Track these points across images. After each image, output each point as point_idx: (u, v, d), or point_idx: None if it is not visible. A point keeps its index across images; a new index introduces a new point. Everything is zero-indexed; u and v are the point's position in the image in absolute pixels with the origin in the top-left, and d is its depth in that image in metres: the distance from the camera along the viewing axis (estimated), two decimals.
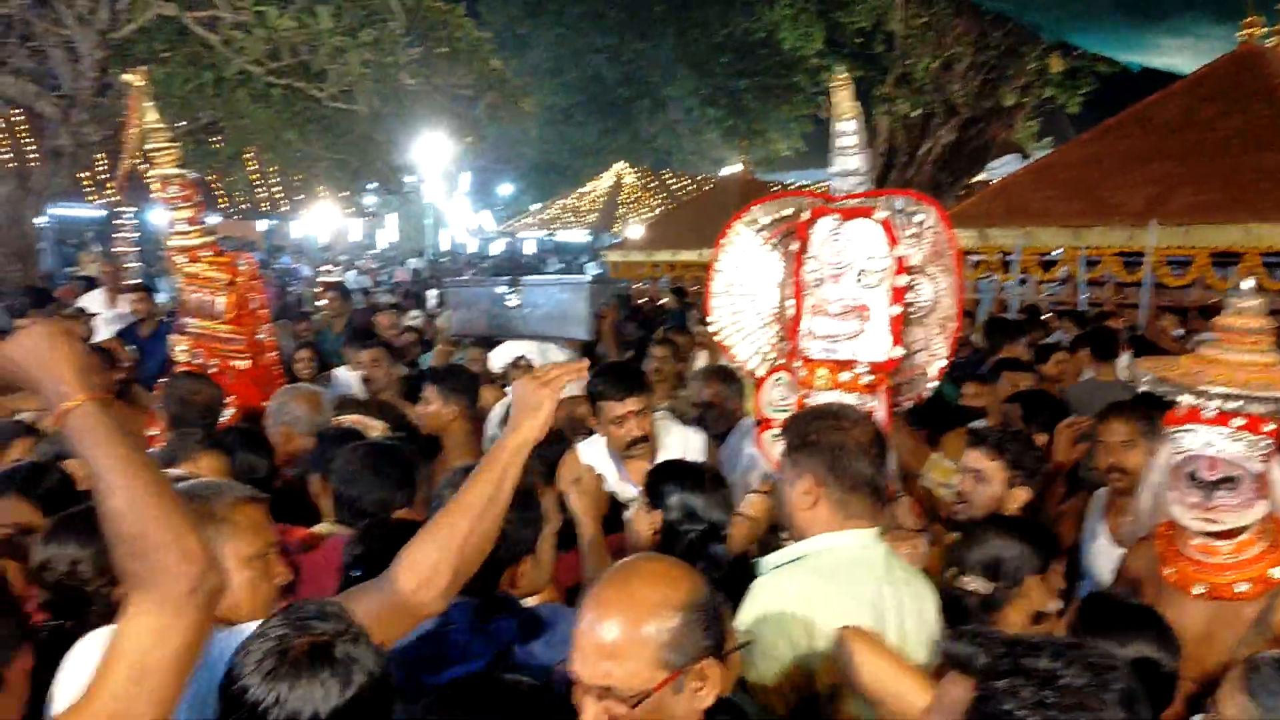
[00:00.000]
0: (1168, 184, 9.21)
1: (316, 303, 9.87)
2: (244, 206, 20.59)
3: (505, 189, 39.16)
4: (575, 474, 2.93)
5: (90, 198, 18.55)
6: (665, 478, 2.92)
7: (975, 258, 10.47)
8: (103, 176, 17.96)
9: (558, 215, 31.21)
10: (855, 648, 1.93)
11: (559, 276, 5.37)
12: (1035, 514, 3.20)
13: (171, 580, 1.43)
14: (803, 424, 2.57)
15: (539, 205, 33.00)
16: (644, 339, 7.50)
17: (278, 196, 21.22)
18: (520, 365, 4.78)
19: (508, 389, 4.68)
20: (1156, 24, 13.33)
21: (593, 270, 28.84)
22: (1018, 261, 9.97)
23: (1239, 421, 2.61)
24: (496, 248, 38.39)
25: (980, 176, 19.65)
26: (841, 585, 2.23)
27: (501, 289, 4.67)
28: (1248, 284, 2.86)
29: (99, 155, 17.02)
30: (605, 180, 30.37)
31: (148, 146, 4.33)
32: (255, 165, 12.29)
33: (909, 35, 17.27)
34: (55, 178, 9.99)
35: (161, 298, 10.07)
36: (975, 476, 3.02)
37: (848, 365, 2.98)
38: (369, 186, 12.03)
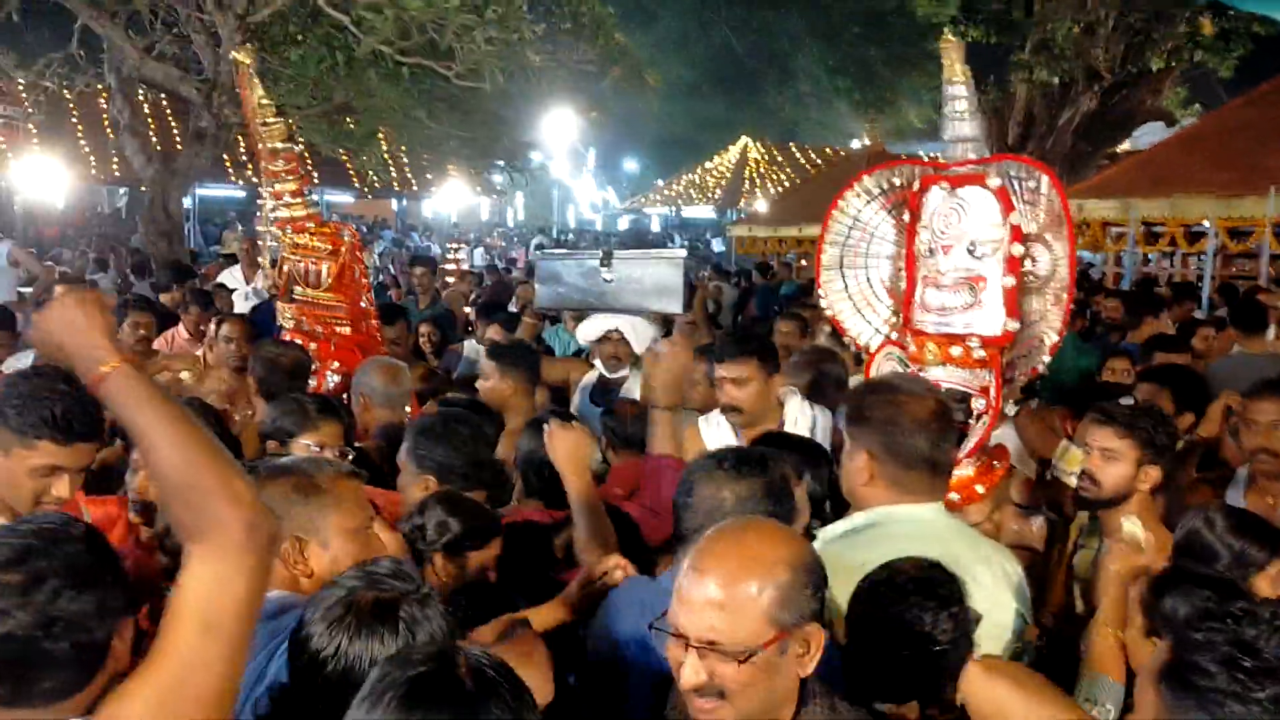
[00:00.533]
0: None
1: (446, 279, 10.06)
2: (377, 186, 21.15)
3: (631, 165, 39.32)
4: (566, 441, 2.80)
5: (233, 178, 19.34)
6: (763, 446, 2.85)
7: (1118, 229, 10.04)
8: (244, 158, 18.68)
9: (683, 190, 31.17)
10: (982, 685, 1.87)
11: (653, 250, 5.24)
12: (1164, 492, 3.05)
13: (224, 526, 1.44)
14: (859, 397, 2.50)
15: (664, 181, 33.02)
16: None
17: (409, 176, 21.73)
18: (613, 338, 4.76)
19: (596, 363, 4.74)
20: None
21: (719, 246, 28.74)
22: (1164, 233, 9.52)
23: None
24: (622, 224, 38.60)
25: (1124, 146, 18.80)
26: (913, 548, 2.13)
27: (593, 262, 4.61)
28: None
29: (239, 136, 17.76)
30: (731, 154, 30.19)
31: (256, 121, 4.47)
32: (387, 145, 12.53)
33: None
34: (198, 159, 10.40)
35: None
36: (1103, 455, 2.88)
37: (960, 339, 2.86)
38: (497, 164, 12.16)
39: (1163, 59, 16.78)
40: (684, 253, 4.85)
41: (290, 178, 4.54)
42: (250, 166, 18.85)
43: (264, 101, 4.51)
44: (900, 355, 3.04)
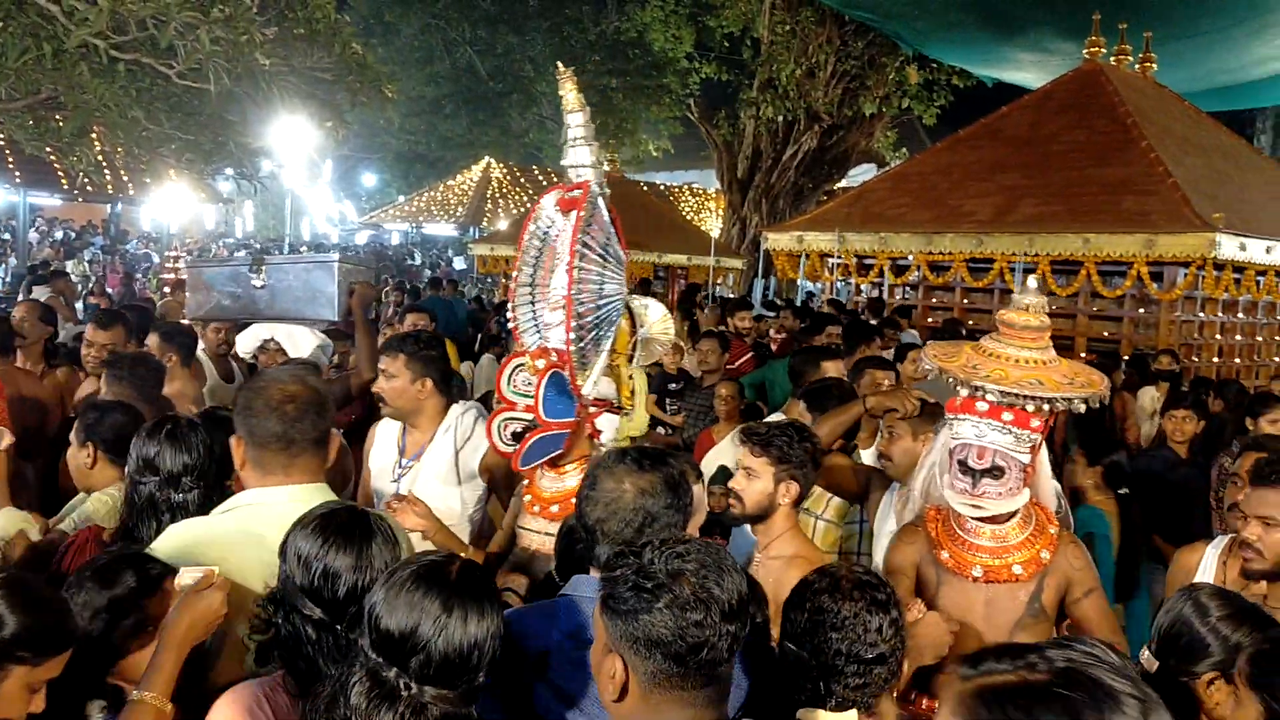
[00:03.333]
0: (1014, 194, 9.60)
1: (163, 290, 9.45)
2: (89, 189, 19.59)
3: (369, 179, 38.35)
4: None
5: None
6: None
7: (834, 260, 10.72)
8: None
9: (425, 207, 30.71)
10: None
11: (305, 255, 5.06)
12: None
13: None
14: (240, 389, 2.74)
15: (405, 197, 32.43)
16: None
17: (125, 179, 20.24)
18: (269, 349, 4.58)
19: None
20: (1011, 37, 13.88)
21: (459, 264, 28.48)
22: (874, 265, 10.25)
23: (1009, 416, 2.71)
24: (361, 239, 37.56)
25: (842, 183, 20.13)
26: (250, 536, 2.32)
27: (244, 269, 4.34)
28: (1032, 282, 2.93)
29: None
30: (474, 173, 30.05)
31: None
32: (100, 145, 11.65)
33: (774, 41, 17.58)
34: None
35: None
36: (746, 474, 3.01)
37: (548, 353, 3.14)
38: (223, 171, 11.52)
39: (875, 104, 18.16)
40: (336, 256, 4.63)
41: None
42: None
43: None
44: (528, 363, 3.24)
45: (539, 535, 3.15)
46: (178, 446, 2.79)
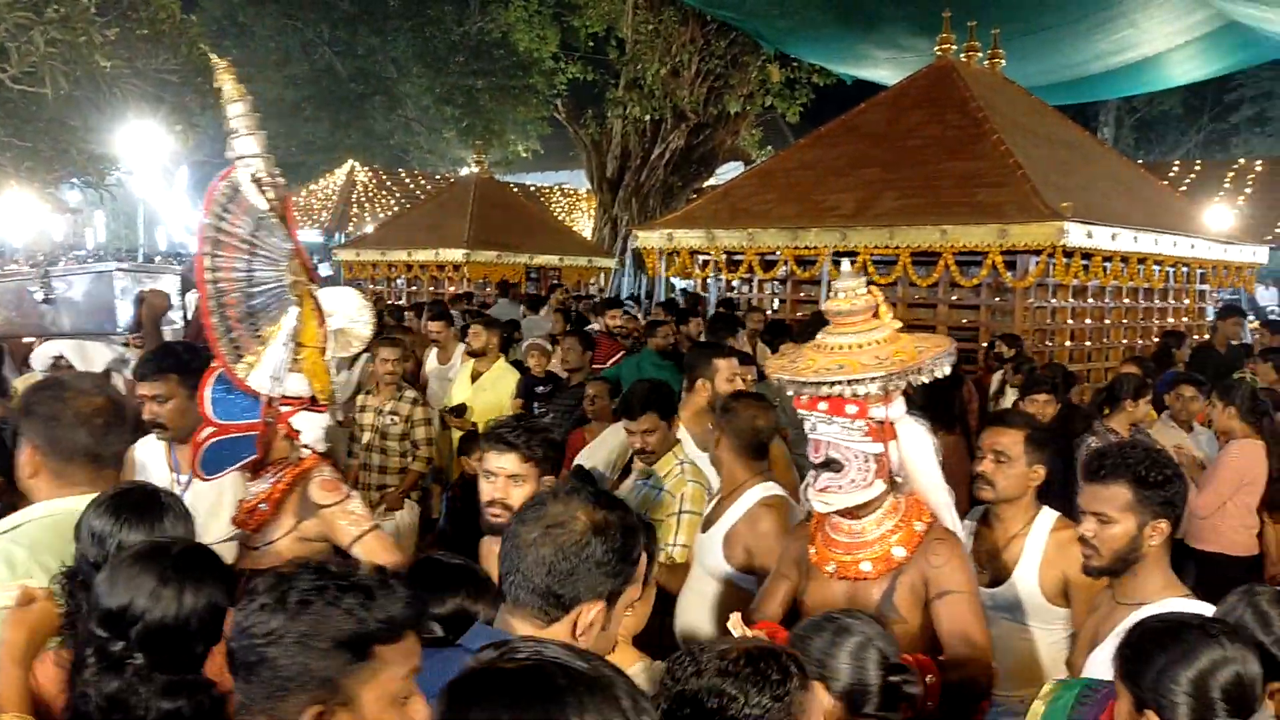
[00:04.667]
0: (874, 188, 9.82)
1: None
2: None
3: None
4: None
5: None
6: None
7: (704, 257, 10.82)
8: None
9: None
10: None
11: (89, 266, 4.80)
12: None
13: None
14: (30, 394, 2.65)
15: None
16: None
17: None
18: (61, 366, 4.33)
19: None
20: (866, 35, 14.25)
21: (325, 270, 27.78)
22: (743, 261, 10.37)
23: (824, 405, 2.69)
24: None
25: (709, 181, 20.36)
26: (58, 543, 2.26)
27: (28, 283, 4.14)
28: (846, 266, 2.92)
29: None
30: (338, 177, 29.36)
31: None
32: None
33: (638, 41, 17.67)
34: None
35: None
36: (511, 480, 2.96)
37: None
38: (69, 179, 10.99)
39: (739, 103, 18.42)
40: (114, 266, 4.42)
41: None
42: None
43: None
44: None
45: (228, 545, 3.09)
46: None
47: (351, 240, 20.08)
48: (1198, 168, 23.05)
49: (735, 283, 11.18)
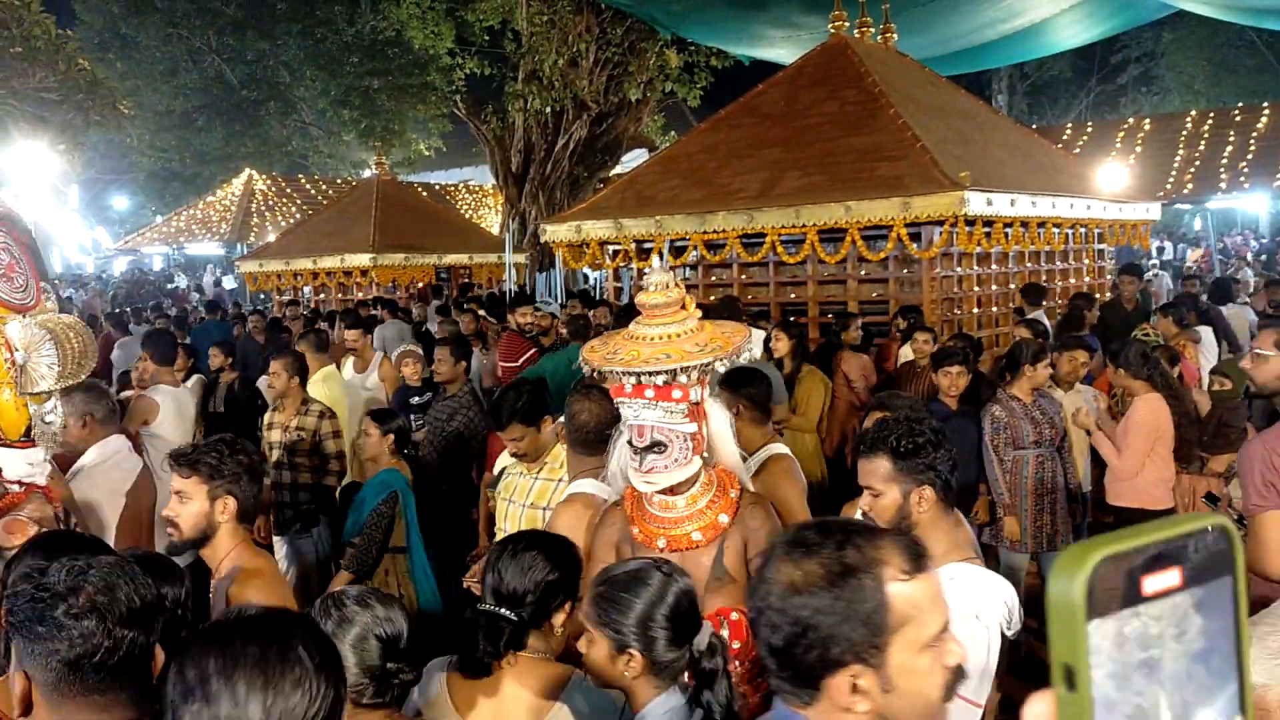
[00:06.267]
0: (778, 169, 9.86)
1: None
2: None
3: (121, 202, 36.07)
4: None
5: None
6: None
7: (614, 247, 10.77)
8: None
9: (185, 226, 29.06)
10: None
11: None
12: None
13: None
14: None
15: (163, 217, 30.62)
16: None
17: None
18: None
19: None
20: (759, 14, 14.29)
21: (229, 283, 27.13)
22: (653, 249, 10.35)
23: (650, 393, 2.89)
24: (119, 265, 35.26)
25: (615, 170, 20.29)
26: None
27: None
28: (656, 261, 3.19)
29: None
30: (235, 187, 28.66)
31: None
32: None
33: (534, 33, 17.51)
34: None
35: None
36: (179, 498, 3.09)
37: None
38: None
39: (639, 89, 18.37)
40: None
41: None
42: None
43: None
44: None
45: None
46: None
47: (254, 251, 19.62)
48: (1089, 129, 23.68)
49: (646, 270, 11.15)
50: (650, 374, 2.83)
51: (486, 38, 18.32)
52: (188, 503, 2.99)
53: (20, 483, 3.26)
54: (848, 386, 7.69)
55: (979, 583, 2.66)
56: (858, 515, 3.43)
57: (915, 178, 8.77)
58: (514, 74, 18.23)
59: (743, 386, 4.18)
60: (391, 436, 5.30)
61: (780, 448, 4.12)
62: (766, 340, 6.87)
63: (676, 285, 2.98)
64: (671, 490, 2.96)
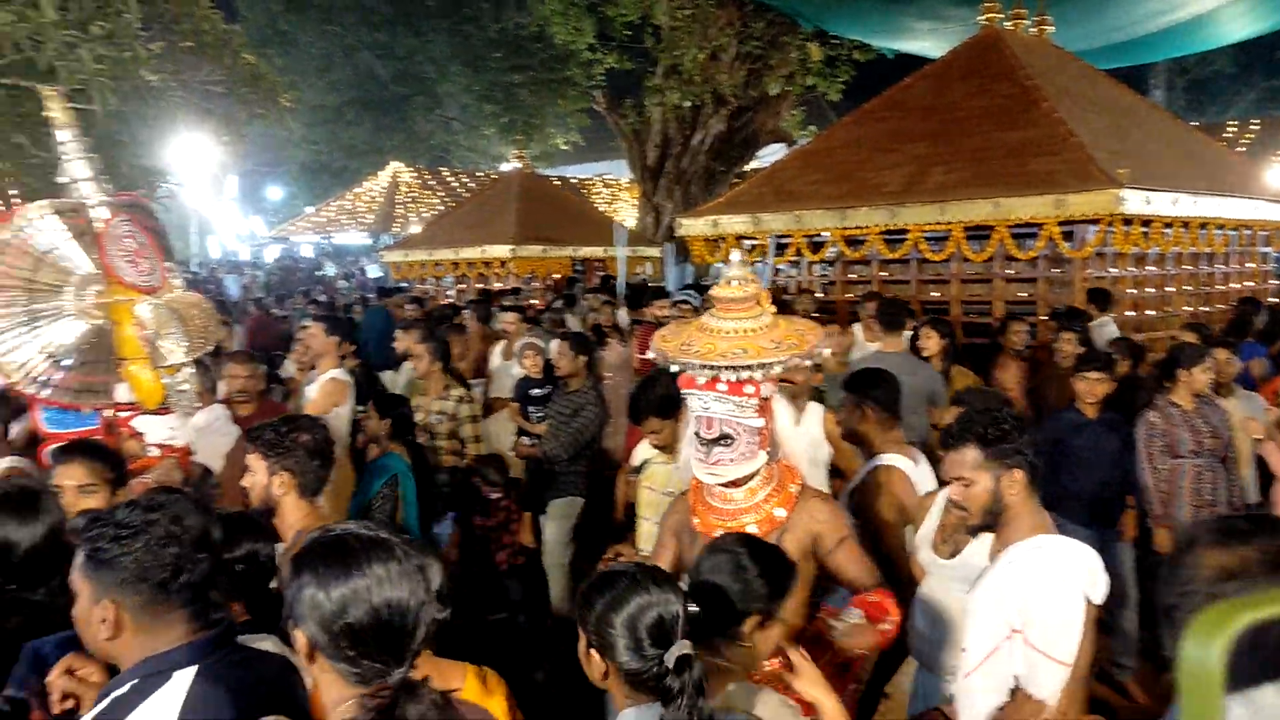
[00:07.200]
0: (922, 164, 9.64)
1: None
2: None
3: (275, 192, 37.60)
4: None
5: None
6: None
7: (750, 242, 10.71)
8: None
9: (334, 217, 30.15)
10: None
11: None
12: None
13: None
14: None
15: (313, 208, 31.81)
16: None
17: (12, 206, 19.47)
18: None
19: None
20: (906, 7, 14.00)
21: (374, 271, 28.02)
22: (790, 244, 10.25)
23: (723, 386, 2.92)
24: (271, 253, 36.79)
25: (752, 164, 20.17)
26: None
27: None
28: (735, 256, 3.15)
29: None
30: (381, 179, 29.58)
31: None
32: None
33: (675, 27, 17.52)
34: None
35: None
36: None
37: None
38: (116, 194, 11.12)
39: (779, 83, 18.21)
40: None
41: None
42: None
43: None
44: None
45: None
46: None
47: (398, 241, 20.19)
48: (1255, 126, 22.47)
49: (783, 266, 11.06)
50: (727, 369, 2.87)
51: (627, 33, 18.42)
52: (252, 475, 3.21)
53: (160, 446, 3.65)
54: (1005, 393, 7.26)
55: (1064, 550, 2.70)
56: (940, 506, 3.40)
57: (1070, 174, 8.47)
58: (653, 68, 18.29)
59: (869, 389, 4.12)
60: (389, 420, 5.38)
61: (893, 459, 4.00)
62: (914, 338, 6.72)
63: (753, 280, 3.03)
64: (732, 483, 3.01)
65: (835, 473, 4.95)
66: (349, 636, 1.71)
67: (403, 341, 6.92)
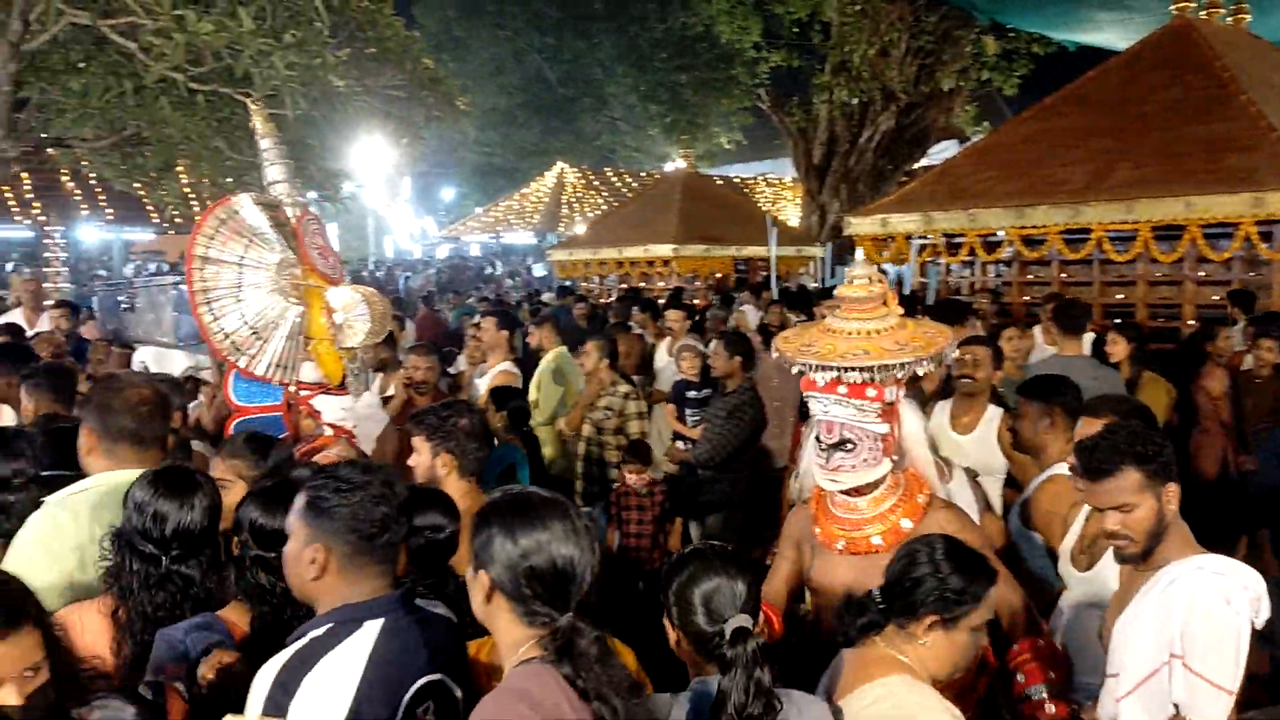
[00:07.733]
0: (1107, 160, 9.21)
1: None
2: (177, 220, 20.04)
3: (447, 193, 38.87)
4: None
5: (17, 217, 18.03)
6: None
7: (920, 241, 10.44)
8: (29, 195, 17.43)
9: (502, 217, 30.95)
10: None
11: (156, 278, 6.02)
12: None
13: None
14: (91, 387, 3.38)
15: (482, 208, 32.76)
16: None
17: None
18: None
19: None
20: None
21: (540, 270, 28.65)
22: (964, 243, 9.95)
23: (844, 389, 2.80)
24: (441, 252, 38.07)
25: (922, 162, 19.71)
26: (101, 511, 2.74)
27: (115, 292, 5.13)
28: (859, 256, 3.02)
29: (21, 173, 16.53)
30: (548, 180, 30.19)
31: None
32: (186, 177, 11.92)
33: (845, 23, 17.27)
34: None
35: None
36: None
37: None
38: (306, 195, 11.69)
39: (952, 78, 17.74)
40: (170, 279, 5.24)
41: None
42: (37, 205, 17.63)
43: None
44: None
45: None
46: (5, 454, 3.12)
47: (564, 241, 20.56)
48: None
49: (955, 266, 10.74)
50: (846, 369, 2.77)
51: (795, 30, 18.26)
52: (417, 456, 3.38)
53: (332, 425, 3.86)
54: (1211, 403, 6.71)
55: (1228, 571, 2.51)
56: (1083, 516, 3.30)
57: (1270, 170, 7.94)
58: (820, 66, 18.08)
59: (1056, 395, 3.96)
60: (504, 413, 5.54)
61: (1064, 468, 3.70)
62: (1099, 343, 6.41)
63: (879, 280, 2.91)
64: (856, 491, 2.89)
65: (1010, 482, 4.75)
66: (529, 579, 1.92)
67: (534, 336, 7.18)
